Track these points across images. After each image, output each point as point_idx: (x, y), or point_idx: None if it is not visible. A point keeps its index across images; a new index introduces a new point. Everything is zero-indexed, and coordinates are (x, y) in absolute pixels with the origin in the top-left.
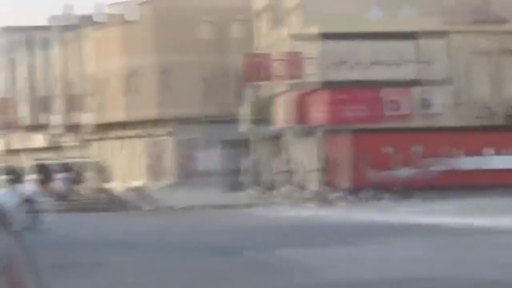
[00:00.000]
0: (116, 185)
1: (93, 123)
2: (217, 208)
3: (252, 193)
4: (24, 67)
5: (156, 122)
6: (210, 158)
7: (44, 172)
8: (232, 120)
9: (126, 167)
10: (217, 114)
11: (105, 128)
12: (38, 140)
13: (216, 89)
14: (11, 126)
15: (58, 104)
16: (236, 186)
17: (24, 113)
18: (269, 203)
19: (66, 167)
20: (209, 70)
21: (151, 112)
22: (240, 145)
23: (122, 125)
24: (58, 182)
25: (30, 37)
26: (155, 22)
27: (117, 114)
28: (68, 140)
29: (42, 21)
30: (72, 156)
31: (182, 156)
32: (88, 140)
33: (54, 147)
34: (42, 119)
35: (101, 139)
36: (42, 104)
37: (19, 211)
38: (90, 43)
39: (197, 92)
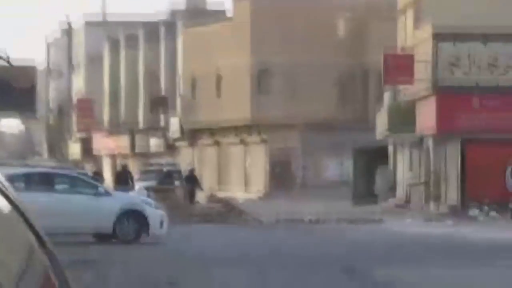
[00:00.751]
0: (233, 194)
1: (183, 127)
2: (346, 222)
3: (385, 206)
4: (107, 66)
5: (249, 128)
6: (338, 167)
7: (160, 178)
8: (367, 126)
9: (221, 174)
10: (350, 119)
11: (195, 132)
12: (154, 143)
13: (349, 92)
14: (92, 128)
15: (144, 104)
16: (368, 198)
17: (107, 114)
18: (403, 217)
19: (179, 173)
20: (341, 71)
21: (243, 116)
22: (375, 153)
23: (214, 130)
24: (178, 189)
25: (114, 34)
26: (254, 18)
27: (210, 118)
28: (154, 144)
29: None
30: (159, 163)
31: (276, 164)
32: (176, 146)
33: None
34: (129, 120)
35: (190, 144)
36: (129, 105)
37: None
38: (184, 40)
39: (327, 95)
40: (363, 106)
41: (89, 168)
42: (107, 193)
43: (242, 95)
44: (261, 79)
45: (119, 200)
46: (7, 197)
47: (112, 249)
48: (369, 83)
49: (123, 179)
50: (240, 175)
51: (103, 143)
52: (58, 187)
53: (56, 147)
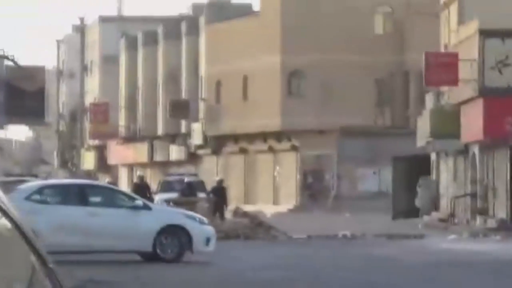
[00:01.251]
0: (260, 207)
1: (206, 134)
2: (384, 238)
3: (428, 220)
4: (124, 66)
5: (278, 134)
6: (376, 177)
7: (181, 190)
8: (407, 132)
9: (248, 185)
10: (389, 124)
11: (219, 139)
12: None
13: (388, 95)
14: (107, 135)
15: (162, 110)
16: (409, 212)
17: (123, 120)
18: (446, 232)
19: (202, 184)
20: (379, 72)
21: (272, 121)
22: (416, 162)
23: (241, 136)
24: (202, 202)
25: (132, 31)
26: (284, 13)
27: (235, 123)
28: (175, 153)
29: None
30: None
31: (308, 174)
32: (198, 154)
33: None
34: (147, 127)
35: (214, 152)
36: (147, 109)
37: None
38: (208, 37)
39: (364, 98)
40: (403, 110)
41: (103, 180)
42: (146, 207)
43: (271, 98)
44: (292, 80)
45: (159, 215)
46: (7, 215)
47: (153, 269)
48: (410, 84)
49: (141, 191)
50: (268, 186)
51: (119, 152)
52: (93, 200)
53: (68, 156)
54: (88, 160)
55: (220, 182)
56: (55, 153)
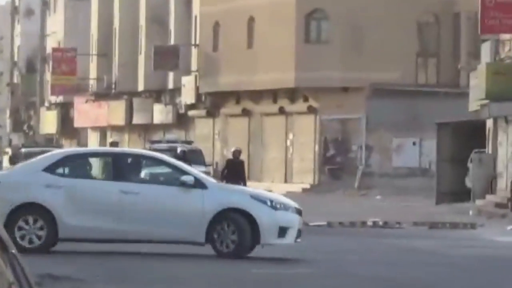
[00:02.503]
0: (269, 186)
1: (199, 90)
2: (425, 227)
3: (482, 204)
4: (96, 2)
5: (292, 92)
6: (417, 149)
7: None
8: (457, 93)
9: (253, 157)
10: (433, 82)
11: (216, 97)
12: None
13: (433, 45)
14: (73, 89)
15: (144, 59)
16: (457, 194)
17: (94, 71)
18: (505, 221)
19: (199, 154)
20: (422, 15)
21: (284, 75)
22: (469, 131)
23: (244, 94)
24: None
25: None
26: None
27: (237, 77)
28: (159, 114)
29: None
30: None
31: (330, 144)
32: (189, 116)
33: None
34: (124, 80)
35: (209, 114)
36: (125, 58)
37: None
38: None
39: (402, 48)
40: (451, 64)
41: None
42: (199, 184)
43: (283, 46)
44: (310, 22)
45: (216, 194)
46: None
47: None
48: (461, 30)
49: None
50: (278, 159)
51: (88, 112)
52: (129, 173)
53: (23, 117)
54: (49, 122)
55: (237, 154)
56: (7, 113)
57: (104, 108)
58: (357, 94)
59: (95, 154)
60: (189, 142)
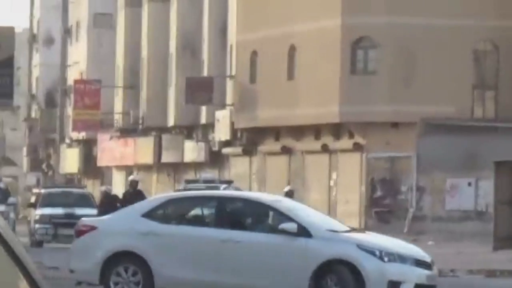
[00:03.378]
0: None
1: (235, 126)
2: (482, 275)
3: None
4: (122, 30)
5: (336, 128)
6: (473, 190)
7: None
8: None
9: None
10: (492, 117)
11: (254, 134)
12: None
13: (492, 74)
14: (97, 125)
15: (175, 92)
16: None
17: (120, 105)
18: None
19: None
20: (481, 42)
21: (328, 110)
22: None
23: (284, 130)
24: None
25: None
26: None
27: (277, 112)
28: (191, 151)
29: None
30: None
31: (377, 184)
32: (223, 154)
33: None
34: (153, 115)
35: (246, 152)
36: (154, 90)
37: None
38: None
39: (458, 79)
40: (511, 98)
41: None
42: (303, 232)
43: (327, 77)
44: (356, 52)
45: (322, 244)
46: None
47: None
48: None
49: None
50: (321, 200)
51: (113, 149)
52: (231, 219)
53: (42, 155)
54: (70, 160)
55: (290, 194)
56: (24, 151)
57: (131, 146)
58: (407, 130)
59: (199, 199)
60: (229, 182)
